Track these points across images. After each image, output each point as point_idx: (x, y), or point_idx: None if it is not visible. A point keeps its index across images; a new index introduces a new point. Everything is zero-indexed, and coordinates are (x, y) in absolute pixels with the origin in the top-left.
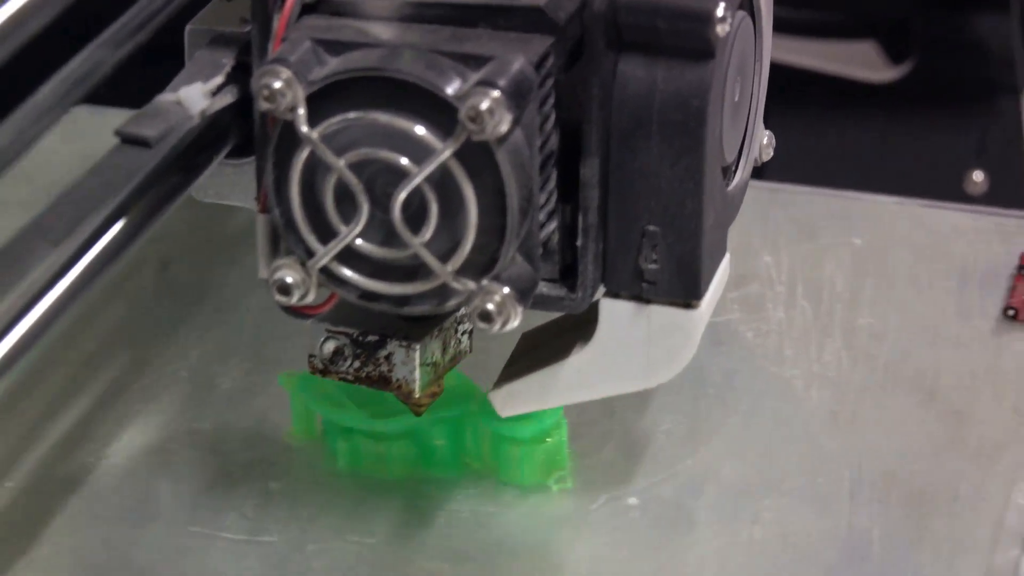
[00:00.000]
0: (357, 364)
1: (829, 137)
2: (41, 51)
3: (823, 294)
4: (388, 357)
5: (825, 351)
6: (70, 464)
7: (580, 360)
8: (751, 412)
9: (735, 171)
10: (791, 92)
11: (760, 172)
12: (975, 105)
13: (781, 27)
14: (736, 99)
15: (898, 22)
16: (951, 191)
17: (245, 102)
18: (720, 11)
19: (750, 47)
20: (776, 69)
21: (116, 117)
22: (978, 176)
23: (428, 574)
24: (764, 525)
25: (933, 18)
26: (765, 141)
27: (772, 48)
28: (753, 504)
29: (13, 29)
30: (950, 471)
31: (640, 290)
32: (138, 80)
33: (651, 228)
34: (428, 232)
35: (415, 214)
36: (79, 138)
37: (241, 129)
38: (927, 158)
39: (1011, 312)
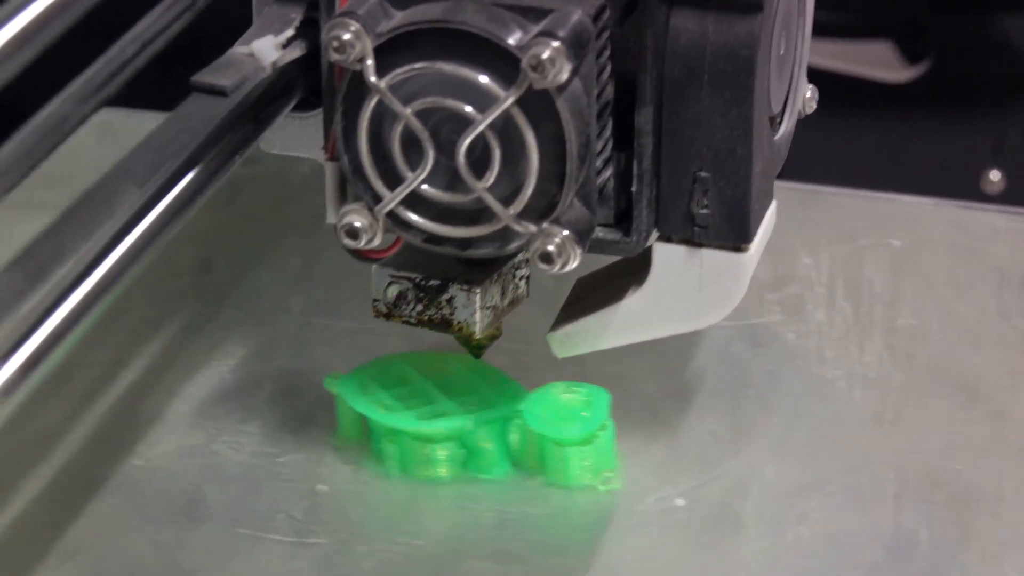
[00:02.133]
0: (420, 308)
1: (847, 138)
2: (68, 51)
3: (862, 295)
4: (450, 300)
5: (866, 352)
6: (116, 465)
7: (634, 302)
8: (794, 413)
9: (780, 122)
10: None
11: (785, 173)
12: (991, 105)
13: None
14: (782, 52)
15: (914, 22)
16: (968, 190)
17: (312, 56)
18: None
19: (794, 3)
20: None
21: (143, 119)
22: (995, 175)
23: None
24: (810, 525)
25: (949, 18)
26: (808, 94)
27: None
28: (798, 504)
29: (39, 29)
30: (994, 470)
31: (692, 234)
32: (163, 82)
33: (702, 174)
34: (491, 177)
35: (478, 160)
36: (106, 140)
37: (307, 83)
38: (944, 158)
39: None
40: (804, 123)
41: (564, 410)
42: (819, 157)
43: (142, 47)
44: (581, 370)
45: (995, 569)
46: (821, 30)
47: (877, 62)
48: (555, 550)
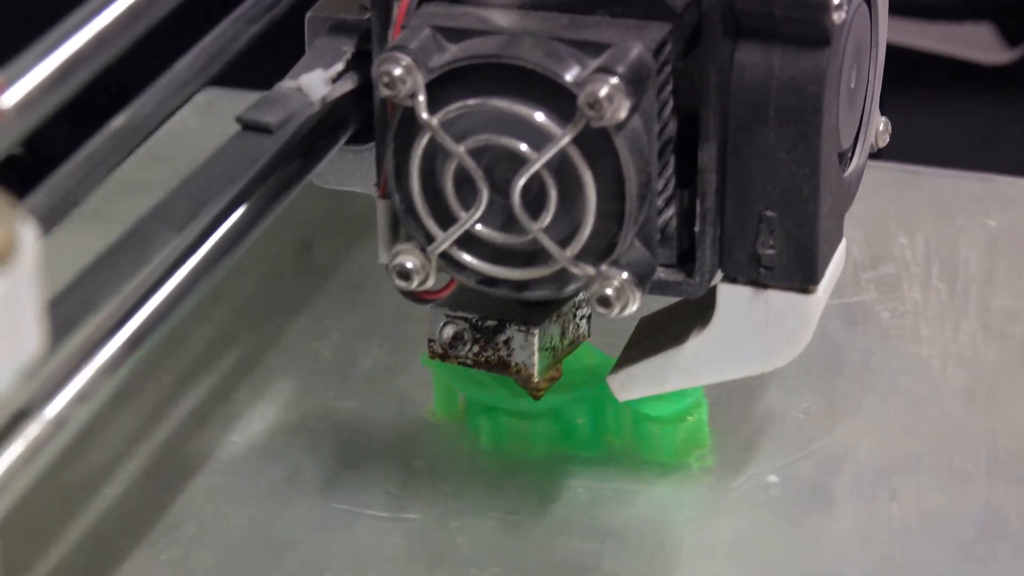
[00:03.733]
0: (476, 349)
1: (944, 119)
2: (172, 30)
3: (958, 275)
4: (507, 342)
5: (961, 331)
6: (212, 440)
7: (698, 344)
8: (888, 391)
9: (851, 157)
10: (906, 74)
11: (882, 154)
12: None
13: (896, 9)
14: (852, 86)
15: (1013, 4)
16: None
17: (365, 89)
18: None
19: (866, 33)
20: (891, 51)
21: (246, 99)
22: None
23: (572, 551)
24: (902, 502)
25: None
26: (881, 127)
27: (887, 30)
28: (891, 482)
29: (145, 8)
30: None
31: (757, 275)
32: (267, 62)
33: (768, 213)
34: (547, 218)
35: (534, 200)
36: (211, 118)
37: (360, 116)
38: None
39: None
40: (903, 104)
41: None
42: (916, 137)
43: (246, 26)
44: None
45: None
46: (919, 11)
47: (976, 44)
48: (649, 526)
